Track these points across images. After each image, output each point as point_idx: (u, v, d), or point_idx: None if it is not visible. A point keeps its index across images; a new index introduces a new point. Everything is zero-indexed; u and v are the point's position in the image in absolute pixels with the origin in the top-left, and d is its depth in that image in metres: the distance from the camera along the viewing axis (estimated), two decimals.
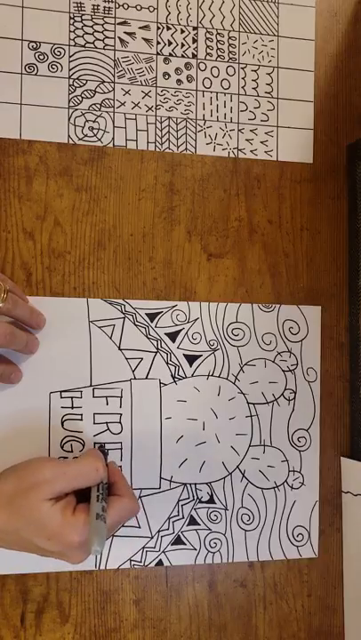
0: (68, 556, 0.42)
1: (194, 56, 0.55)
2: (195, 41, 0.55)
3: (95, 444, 0.51)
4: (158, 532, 0.52)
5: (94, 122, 0.53)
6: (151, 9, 0.54)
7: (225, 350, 0.54)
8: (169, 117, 0.54)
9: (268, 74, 0.56)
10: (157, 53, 0.54)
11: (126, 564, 0.52)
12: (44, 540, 0.41)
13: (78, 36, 0.53)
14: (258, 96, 0.56)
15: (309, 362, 0.56)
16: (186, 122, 0.55)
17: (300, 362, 0.56)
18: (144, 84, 0.54)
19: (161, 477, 0.52)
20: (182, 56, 0.55)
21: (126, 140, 0.53)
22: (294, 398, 0.55)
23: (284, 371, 0.55)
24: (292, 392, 0.55)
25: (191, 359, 0.54)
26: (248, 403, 0.54)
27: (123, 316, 0.53)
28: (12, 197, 0.51)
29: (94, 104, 0.53)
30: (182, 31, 0.55)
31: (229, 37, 0.56)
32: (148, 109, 0.54)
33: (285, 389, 0.55)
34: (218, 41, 0.55)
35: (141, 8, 0.54)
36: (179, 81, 0.55)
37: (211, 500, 0.53)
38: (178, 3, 0.55)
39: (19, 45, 0.52)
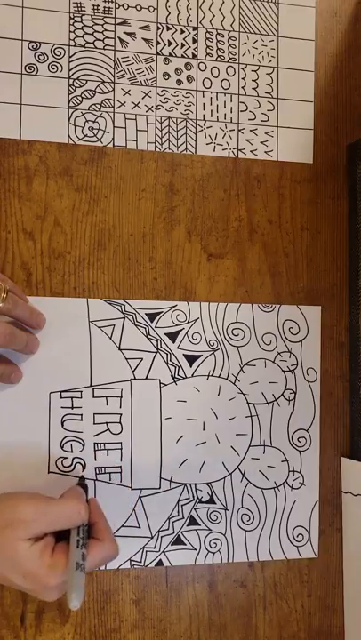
0: (41, 594, 0.41)
1: (194, 56, 0.55)
2: (195, 41, 0.55)
3: (78, 478, 0.50)
4: (158, 532, 0.52)
5: (94, 122, 0.53)
6: (151, 9, 0.54)
7: (225, 350, 0.54)
8: (169, 117, 0.54)
9: (268, 74, 0.56)
10: (157, 53, 0.54)
11: (126, 564, 0.52)
12: (20, 578, 0.40)
13: (78, 36, 0.53)
14: (258, 96, 0.56)
15: (309, 362, 0.56)
16: (186, 122, 0.55)
17: (300, 362, 0.56)
18: (144, 84, 0.54)
19: (161, 477, 0.52)
20: (182, 56, 0.55)
21: (126, 140, 0.53)
22: (294, 398, 0.55)
23: (284, 371, 0.55)
24: (292, 392, 0.55)
25: (191, 359, 0.54)
26: (248, 403, 0.54)
27: (123, 316, 0.53)
28: (11, 197, 0.51)
29: (94, 104, 0.53)
30: (182, 31, 0.55)
31: (229, 37, 0.56)
32: (148, 109, 0.54)
33: (285, 389, 0.55)
34: (218, 41, 0.55)
35: (141, 8, 0.54)
36: (179, 81, 0.55)
37: (211, 500, 0.53)
38: (178, 3, 0.55)
39: (19, 45, 0.52)
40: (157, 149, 0.54)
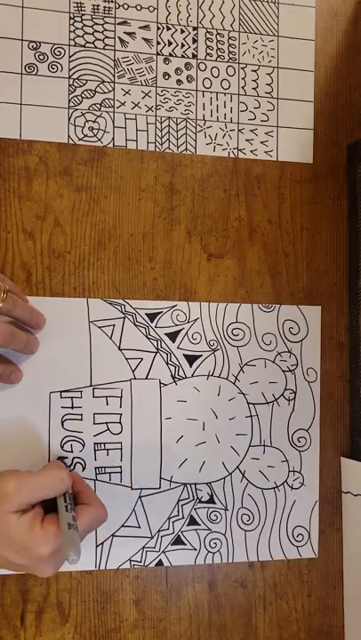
0: (37, 569, 0.41)
1: (194, 56, 0.55)
2: (195, 41, 0.55)
3: (58, 458, 0.51)
4: (158, 531, 0.52)
5: (94, 122, 0.53)
6: (151, 9, 0.54)
7: (225, 350, 0.54)
8: (169, 117, 0.54)
9: (268, 74, 0.56)
10: (157, 53, 0.54)
11: (126, 564, 0.52)
12: (13, 554, 0.40)
13: (78, 36, 0.53)
14: (258, 96, 0.56)
15: (309, 362, 0.56)
16: (186, 122, 0.55)
17: (300, 362, 0.56)
18: (144, 84, 0.54)
19: (161, 477, 0.52)
20: (182, 56, 0.55)
21: (126, 140, 0.53)
22: (294, 398, 0.55)
23: (284, 371, 0.55)
24: (292, 392, 0.55)
25: (191, 359, 0.54)
26: (248, 403, 0.54)
27: (123, 316, 0.53)
28: (11, 197, 0.51)
29: (94, 104, 0.53)
30: (182, 31, 0.55)
31: (229, 37, 0.56)
32: (148, 109, 0.54)
33: (285, 389, 0.55)
34: (218, 41, 0.55)
35: (141, 8, 0.54)
36: (179, 81, 0.55)
37: (211, 500, 0.53)
38: (178, 3, 0.55)
39: (19, 45, 0.52)
40: (157, 149, 0.54)
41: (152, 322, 0.53)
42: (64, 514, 0.41)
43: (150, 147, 0.54)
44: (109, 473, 0.51)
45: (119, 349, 0.52)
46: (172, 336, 0.53)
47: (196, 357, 0.54)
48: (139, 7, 0.54)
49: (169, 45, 0.54)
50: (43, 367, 0.51)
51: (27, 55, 0.52)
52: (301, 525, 0.55)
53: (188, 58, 0.55)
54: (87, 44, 0.53)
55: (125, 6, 0.54)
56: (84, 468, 0.51)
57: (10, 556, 0.40)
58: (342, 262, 0.57)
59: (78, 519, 0.42)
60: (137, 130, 0.54)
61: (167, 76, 0.54)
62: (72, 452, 0.51)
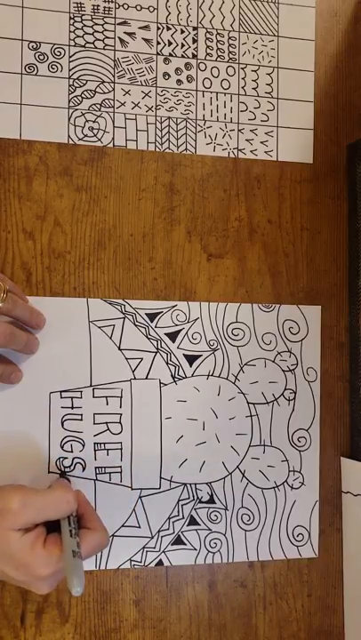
0: (35, 586, 0.41)
1: (194, 56, 0.55)
2: (195, 41, 0.55)
3: (59, 472, 0.50)
4: (158, 531, 0.52)
5: (94, 122, 0.53)
6: (151, 9, 0.54)
7: (225, 350, 0.54)
8: (169, 117, 0.54)
9: (268, 74, 0.56)
10: (157, 53, 0.54)
11: (126, 564, 0.52)
12: (12, 569, 0.40)
13: (78, 37, 0.53)
14: (258, 96, 0.56)
15: (309, 362, 0.56)
16: (186, 122, 0.55)
17: (300, 362, 0.56)
18: (144, 84, 0.54)
19: (161, 477, 0.52)
20: (182, 56, 0.55)
21: (126, 140, 0.53)
22: (294, 398, 0.55)
23: (284, 371, 0.55)
24: (292, 392, 0.55)
25: (191, 359, 0.54)
26: (248, 403, 0.54)
27: (123, 316, 0.53)
28: (11, 197, 0.51)
29: (94, 104, 0.53)
30: (182, 31, 0.55)
31: (229, 37, 0.56)
32: (148, 109, 0.54)
33: (285, 389, 0.55)
34: (218, 41, 0.55)
35: (141, 8, 0.54)
36: (179, 81, 0.55)
37: (211, 500, 0.53)
38: (178, 3, 0.55)
39: (19, 45, 0.52)
40: (157, 149, 0.54)
41: (152, 322, 0.53)
42: (68, 539, 0.40)
43: (150, 147, 0.54)
44: (109, 473, 0.51)
45: (119, 349, 0.52)
46: (172, 336, 0.53)
47: (196, 357, 0.54)
48: (139, 7, 0.54)
49: (169, 45, 0.54)
50: (43, 367, 0.51)
51: (27, 55, 0.52)
52: (301, 525, 0.55)
53: (188, 58, 0.55)
54: (87, 44, 0.53)
55: (125, 6, 0.54)
56: (84, 468, 0.51)
57: (9, 571, 0.40)
58: (342, 262, 0.57)
59: (82, 544, 0.41)
60: (137, 130, 0.54)
61: (167, 76, 0.54)
62: (72, 452, 0.51)
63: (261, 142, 0.56)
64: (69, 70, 0.52)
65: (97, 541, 0.43)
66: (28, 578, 0.40)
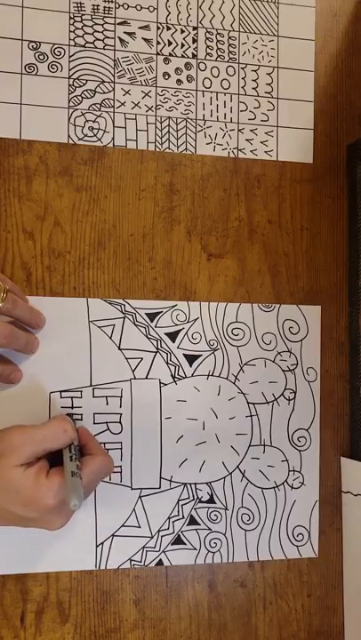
0: (46, 522, 0.42)
1: (194, 56, 0.55)
2: (195, 41, 0.55)
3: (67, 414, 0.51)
4: (158, 531, 0.52)
5: (94, 122, 0.53)
6: (151, 9, 0.54)
7: (225, 350, 0.54)
8: (169, 117, 0.54)
9: (268, 74, 0.56)
10: (157, 53, 0.54)
11: (126, 563, 0.52)
12: (20, 507, 0.40)
13: (78, 36, 0.53)
14: (258, 96, 0.56)
15: (309, 362, 0.56)
16: (186, 122, 0.55)
17: (300, 362, 0.56)
18: (144, 84, 0.54)
19: (161, 477, 0.52)
20: (182, 56, 0.55)
21: (126, 139, 0.53)
22: (294, 398, 0.55)
23: (284, 370, 0.55)
24: (292, 392, 0.55)
25: (191, 359, 0.54)
26: (248, 402, 0.54)
27: (123, 315, 0.53)
28: (11, 197, 0.51)
29: (94, 104, 0.53)
30: (182, 31, 0.55)
31: (229, 37, 0.56)
32: (148, 109, 0.54)
33: (285, 389, 0.55)
34: (218, 41, 0.55)
35: (141, 8, 0.54)
36: (179, 81, 0.55)
37: (211, 500, 0.53)
38: (178, 3, 0.55)
39: (19, 45, 0.52)
40: (157, 149, 0.54)
41: (152, 322, 0.53)
42: (68, 463, 0.42)
43: (150, 146, 0.54)
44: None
45: (119, 349, 0.52)
46: (172, 336, 0.53)
47: (196, 357, 0.54)
48: (139, 7, 0.54)
49: (169, 45, 0.54)
50: (43, 367, 0.51)
51: (27, 55, 0.52)
52: (301, 525, 0.55)
53: (188, 58, 0.55)
54: (87, 44, 0.53)
55: (125, 6, 0.54)
56: None
57: (18, 510, 0.41)
58: (342, 262, 0.57)
59: (83, 469, 0.43)
60: (137, 130, 0.54)
61: (167, 76, 0.54)
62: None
63: (261, 142, 0.56)
64: (69, 70, 0.53)
65: (99, 465, 0.44)
66: (37, 513, 0.41)
